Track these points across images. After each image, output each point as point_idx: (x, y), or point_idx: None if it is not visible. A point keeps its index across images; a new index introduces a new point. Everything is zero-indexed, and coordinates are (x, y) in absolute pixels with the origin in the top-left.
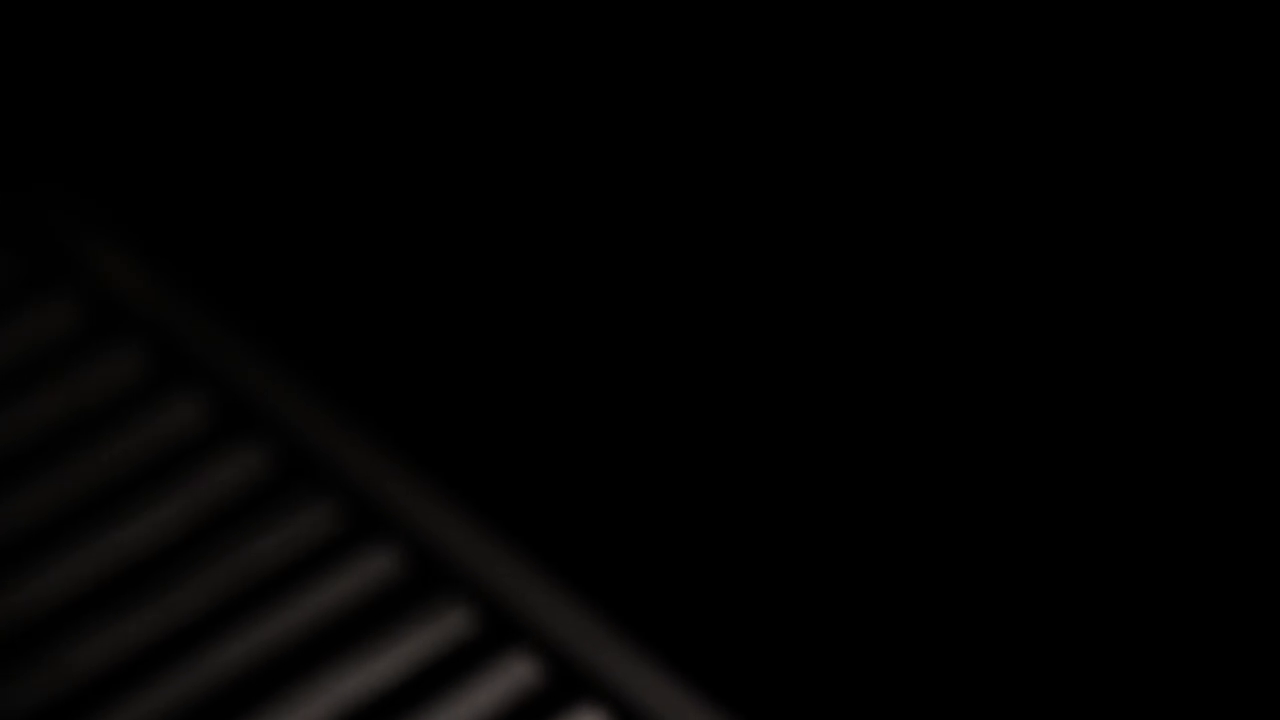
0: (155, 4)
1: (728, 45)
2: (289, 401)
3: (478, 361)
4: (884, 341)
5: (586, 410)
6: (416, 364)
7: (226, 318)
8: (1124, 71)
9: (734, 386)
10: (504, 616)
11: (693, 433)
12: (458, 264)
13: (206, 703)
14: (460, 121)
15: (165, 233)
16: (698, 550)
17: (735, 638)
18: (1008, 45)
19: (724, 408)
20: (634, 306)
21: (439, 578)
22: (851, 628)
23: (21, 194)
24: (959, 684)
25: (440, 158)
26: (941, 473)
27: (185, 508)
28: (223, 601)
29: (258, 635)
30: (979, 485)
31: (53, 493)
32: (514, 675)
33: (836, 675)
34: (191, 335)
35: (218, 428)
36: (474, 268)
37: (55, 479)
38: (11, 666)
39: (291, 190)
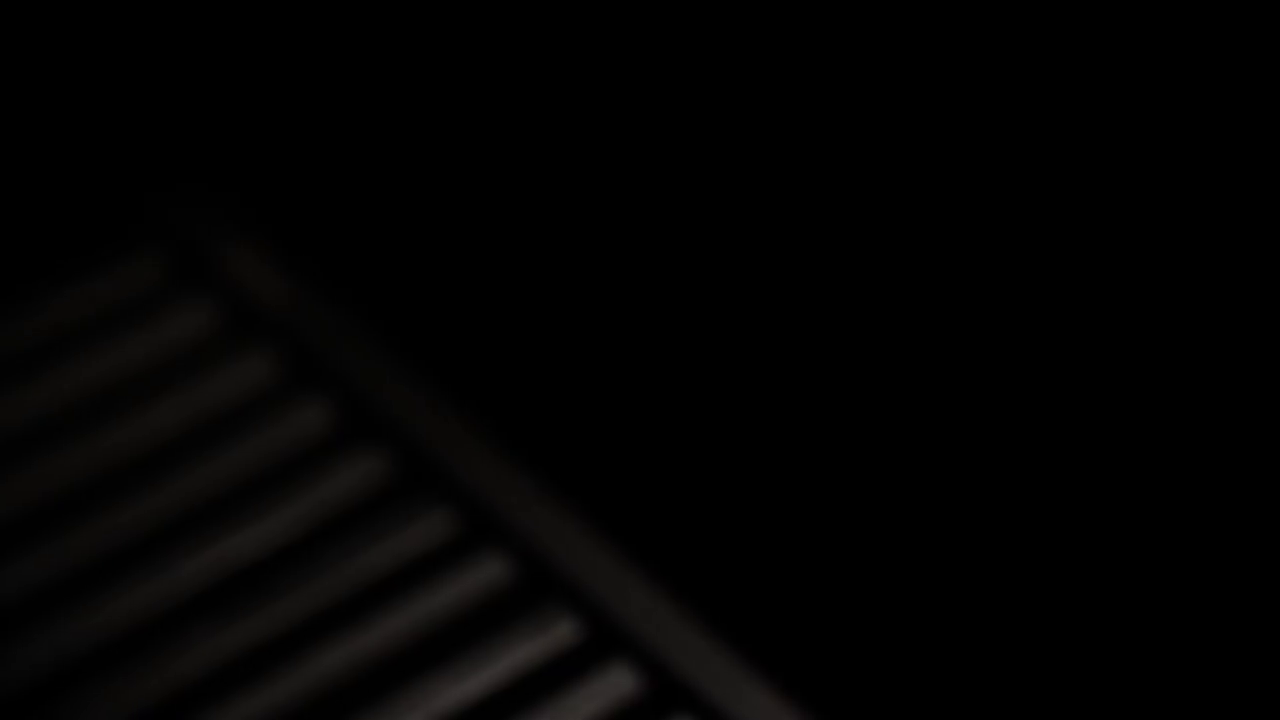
0: (305, 3)
1: (762, 39)
2: (414, 409)
3: (606, 372)
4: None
5: (703, 421)
6: (544, 372)
7: (359, 322)
8: (1124, 71)
9: (835, 394)
10: (610, 627)
11: (810, 446)
12: (597, 276)
13: (312, 709)
14: (605, 132)
15: (307, 234)
16: (810, 568)
17: (844, 656)
18: (1007, 45)
19: (832, 417)
20: (757, 317)
21: (550, 587)
22: (952, 641)
23: (163, 193)
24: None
25: (581, 165)
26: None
27: (302, 512)
28: (331, 607)
29: (363, 642)
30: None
31: (174, 494)
32: (617, 686)
33: (942, 693)
34: (322, 339)
35: (342, 433)
36: (613, 280)
37: (178, 481)
38: (121, 669)
39: (433, 196)
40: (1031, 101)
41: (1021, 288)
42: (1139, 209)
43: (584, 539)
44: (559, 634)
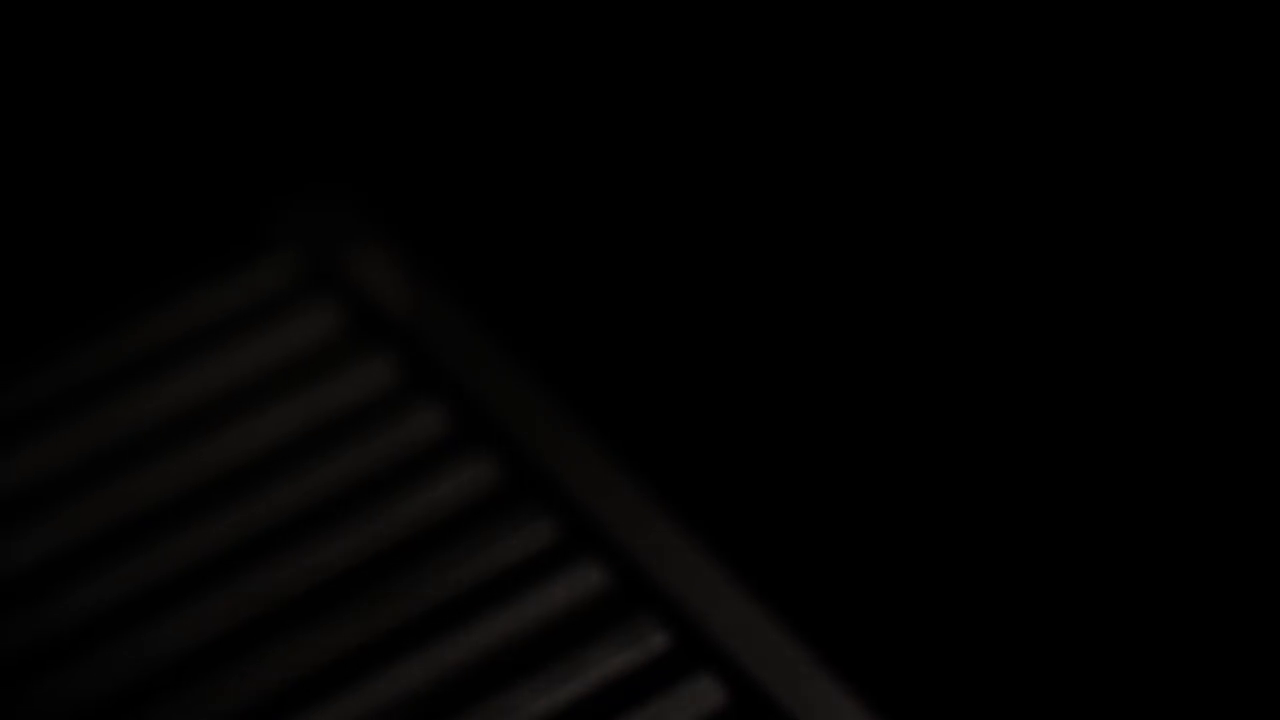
0: (442, 3)
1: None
2: (522, 416)
3: (722, 386)
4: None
5: (807, 439)
6: (659, 383)
7: (478, 327)
8: (1125, 72)
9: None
10: (701, 639)
11: (908, 462)
12: (724, 288)
13: (406, 714)
14: (739, 145)
15: (434, 237)
16: (906, 585)
17: (935, 672)
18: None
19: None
20: (887, 323)
21: (644, 598)
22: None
23: (293, 195)
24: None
25: (712, 175)
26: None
27: (407, 517)
28: (430, 612)
29: (457, 648)
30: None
31: (285, 497)
32: (705, 698)
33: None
34: (438, 344)
35: (454, 438)
36: (737, 292)
37: (290, 484)
38: (225, 671)
39: (564, 203)
40: (1041, 101)
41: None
42: (1141, 208)
43: (681, 551)
44: (650, 645)
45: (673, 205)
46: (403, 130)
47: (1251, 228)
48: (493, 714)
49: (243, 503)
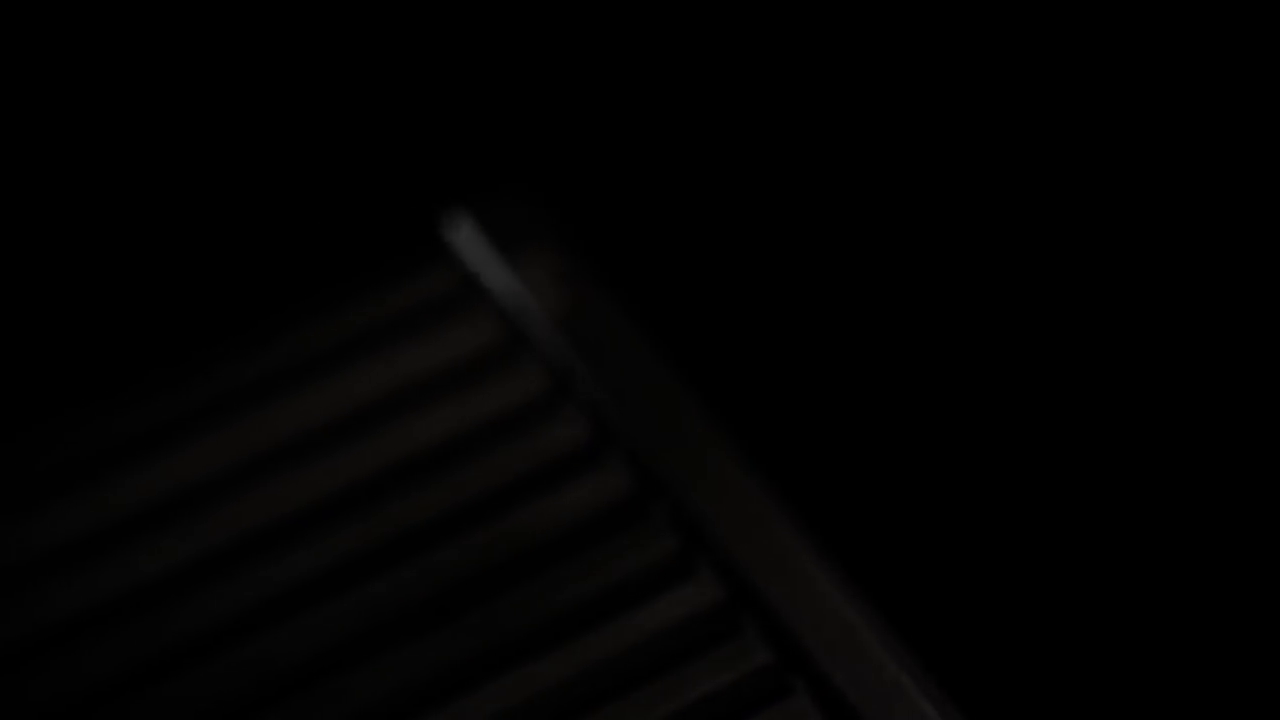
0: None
1: None
2: (659, 430)
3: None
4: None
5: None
6: (814, 409)
7: (628, 336)
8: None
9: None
10: (801, 657)
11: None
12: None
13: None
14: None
15: (605, 244)
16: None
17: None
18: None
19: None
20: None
21: (751, 614)
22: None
23: (469, 199)
24: None
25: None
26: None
27: (533, 527)
28: (542, 623)
29: (563, 662)
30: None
31: (415, 506)
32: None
33: None
34: (585, 354)
35: (591, 449)
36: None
37: (422, 492)
38: (349, 673)
39: (741, 214)
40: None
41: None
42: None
43: (796, 568)
44: (750, 663)
45: (849, 218)
46: (586, 136)
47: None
48: None
49: (375, 510)
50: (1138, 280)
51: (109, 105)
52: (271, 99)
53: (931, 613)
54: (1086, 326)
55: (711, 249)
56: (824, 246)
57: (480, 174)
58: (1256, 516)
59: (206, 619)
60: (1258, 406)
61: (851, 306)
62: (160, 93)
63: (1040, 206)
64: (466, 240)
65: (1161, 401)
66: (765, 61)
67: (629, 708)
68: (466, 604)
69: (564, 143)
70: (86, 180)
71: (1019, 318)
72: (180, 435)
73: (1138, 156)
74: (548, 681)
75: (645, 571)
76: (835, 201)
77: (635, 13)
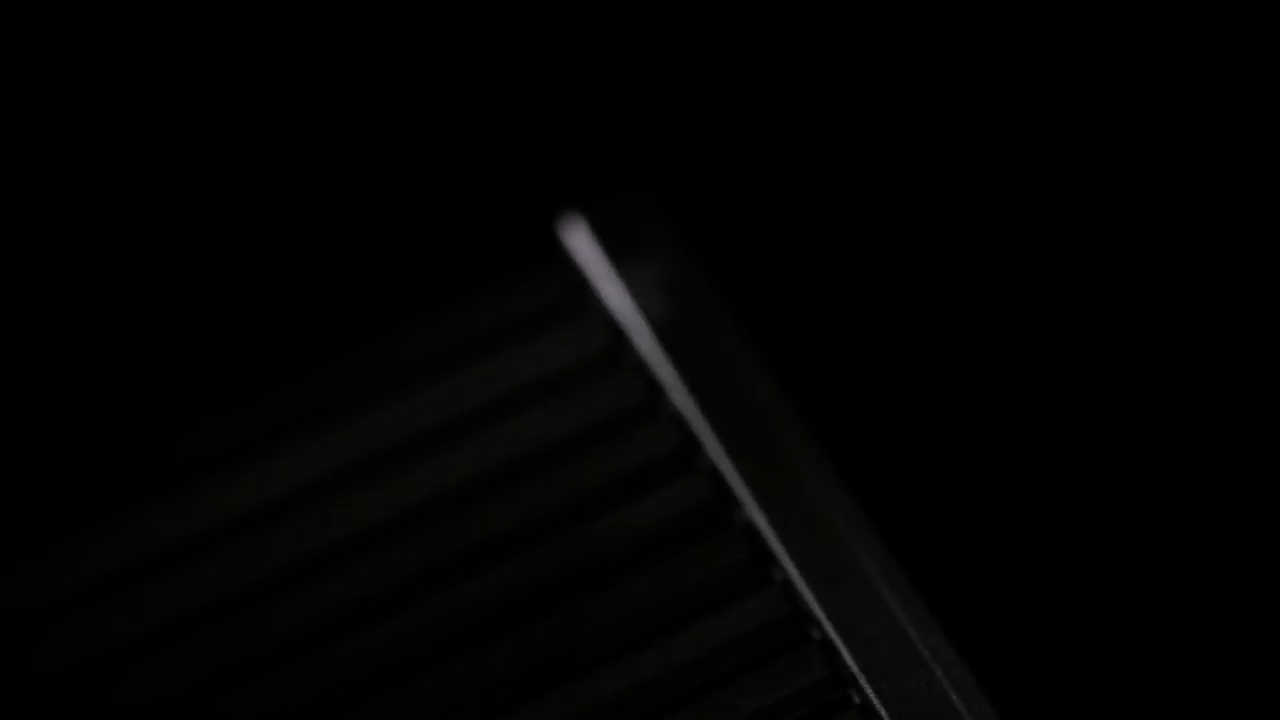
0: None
1: None
2: (747, 443)
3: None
4: None
5: None
6: (909, 427)
7: (730, 343)
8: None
9: None
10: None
11: None
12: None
13: None
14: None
15: (721, 247)
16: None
17: None
18: None
19: None
20: None
21: (811, 622)
22: None
23: (579, 205)
24: None
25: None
26: None
27: (609, 534)
28: (609, 628)
29: (618, 675)
30: None
31: (501, 507)
32: None
33: None
34: (681, 363)
35: (674, 460)
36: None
37: (507, 495)
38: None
39: (865, 226)
40: None
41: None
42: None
43: (860, 585)
44: (809, 677)
45: (973, 234)
46: (706, 141)
47: None
48: None
49: (465, 513)
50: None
51: (236, 109)
52: (399, 103)
53: (995, 631)
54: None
55: (826, 258)
56: (945, 264)
57: (599, 177)
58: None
59: (299, 619)
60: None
61: (966, 328)
62: (292, 96)
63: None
64: (580, 244)
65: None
66: (885, 69)
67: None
68: (538, 608)
69: (684, 148)
70: (209, 183)
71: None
72: (291, 437)
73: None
74: (606, 690)
75: (709, 584)
76: (956, 220)
77: (761, 21)
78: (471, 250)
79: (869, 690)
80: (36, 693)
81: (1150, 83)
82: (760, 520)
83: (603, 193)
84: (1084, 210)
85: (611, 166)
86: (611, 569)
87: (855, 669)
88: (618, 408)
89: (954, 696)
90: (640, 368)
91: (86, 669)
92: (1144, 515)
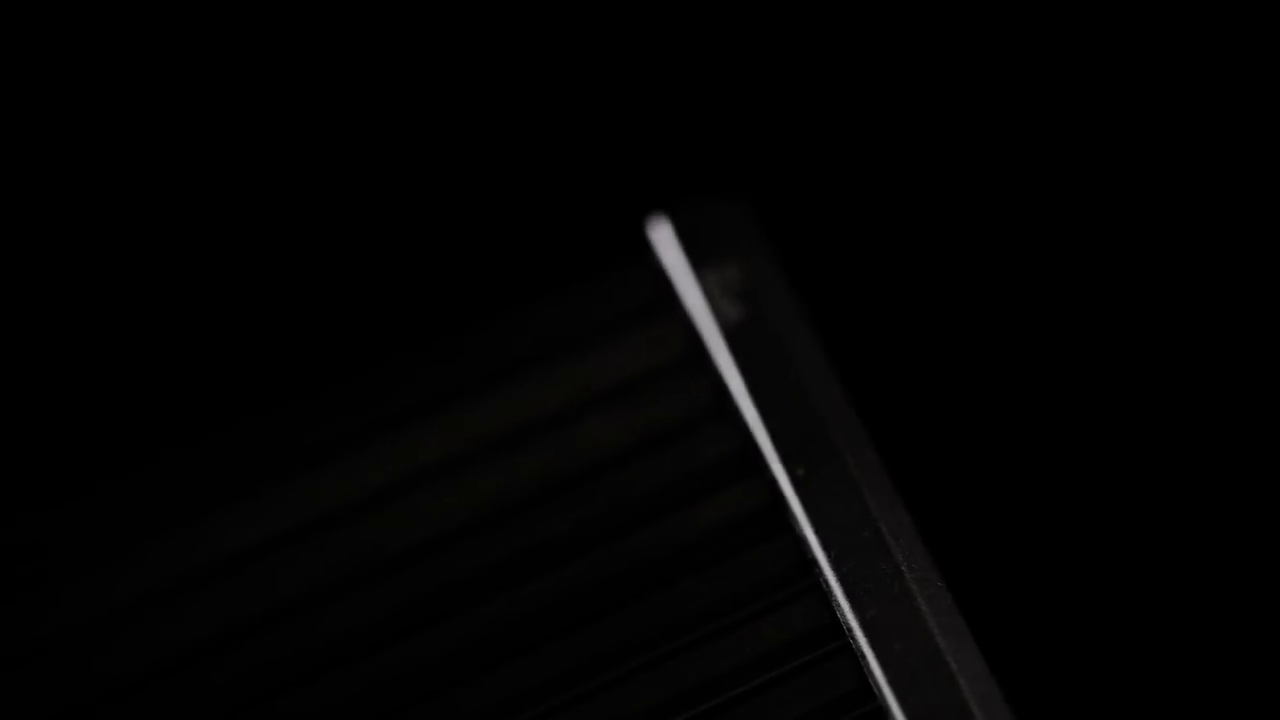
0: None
1: None
2: (805, 451)
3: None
4: None
5: None
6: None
7: (802, 351)
8: None
9: None
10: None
11: None
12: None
13: None
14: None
15: (807, 253)
16: None
17: None
18: None
19: None
20: None
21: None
22: None
23: (663, 205)
24: None
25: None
26: None
27: (673, 540)
28: (657, 632)
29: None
30: None
31: (561, 510)
32: None
33: None
34: (750, 369)
35: (734, 467)
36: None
37: (567, 498)
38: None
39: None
40: None
41: None
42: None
43: (898, 597)
44: (840, 688)
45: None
46: (797, 145)
47: None
48: None
49: (526, 515)
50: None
51: (334, 113)
52: (489, 106)
53: (1029, 650)
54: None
55: (908, 269)
56: (1035, 288)
57: (686, 179)
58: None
59: (357, 621)
60: None
61: (1041, 352)
62: (382, 100)
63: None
64: (664, 247)
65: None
66: (986, 82)
67: None
68: (593, 610)
69: (773, 151)
70: (299, 186)
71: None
72: (368, 440)
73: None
74: (641, 699)
75: (747, 594)
76: (1048, 238)
77: (860, 27)
78: (558, 253)
79: (894, 704)
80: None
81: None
82: (807, 529)
83: (688, 195)
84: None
85: (699, 168)
86: (655, 576)
87: (883, 682)
88: (685, 411)
89: (977, 713)
90: (712, 371)
91: (167, 668)
92: (1186, 542)
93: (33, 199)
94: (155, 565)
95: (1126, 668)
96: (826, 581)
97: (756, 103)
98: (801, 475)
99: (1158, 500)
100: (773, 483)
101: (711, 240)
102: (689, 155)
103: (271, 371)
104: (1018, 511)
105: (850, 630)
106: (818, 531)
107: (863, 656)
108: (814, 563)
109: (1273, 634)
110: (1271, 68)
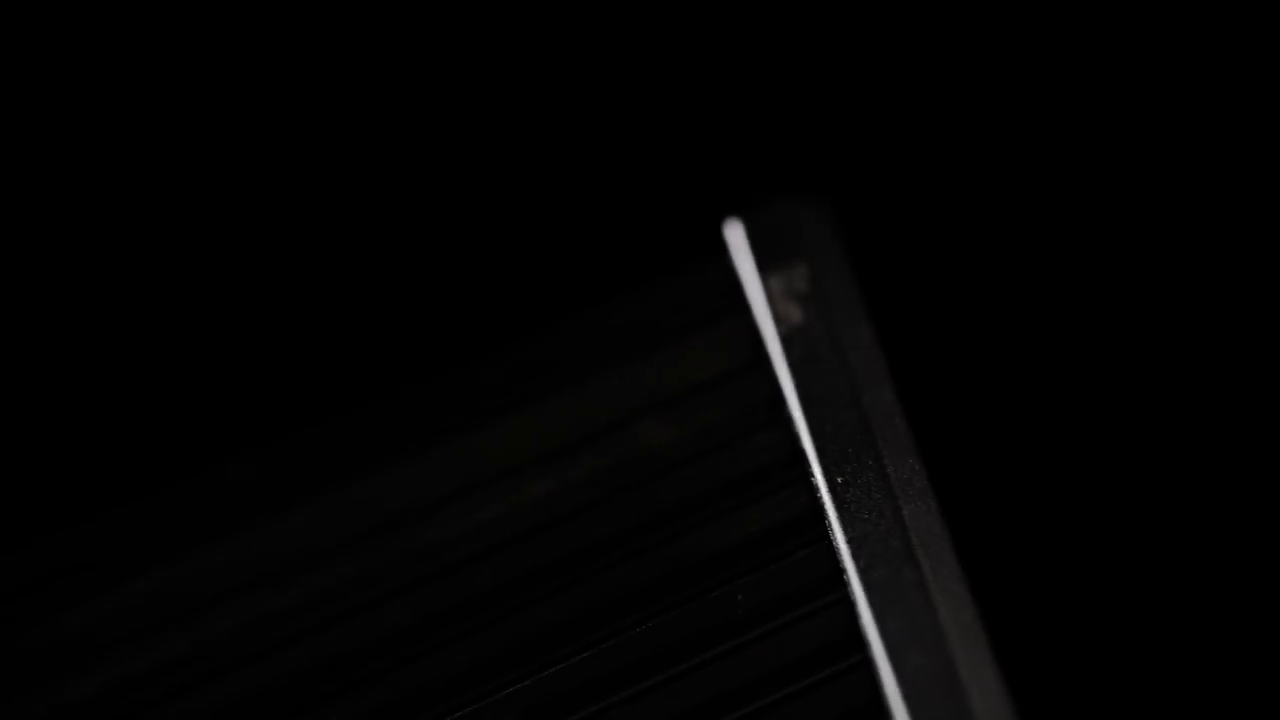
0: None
1: None
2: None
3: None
4: None
5: None
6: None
7: (860, 357)
8: None
9: None
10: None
11: None
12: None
13: None
14: None
15: (882, 258)
16: None
17: None
18: None
19: None
20: None
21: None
22: None
23: (738, 205)
24: None
25: None
26: None
27: (698, 546)
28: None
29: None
30: None
31: (606, 513)
32: None
33: None
34: (802, 374)
35: (779, 472)
36: None
37: (614, 501)
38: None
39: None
40: None
41: None
42: None
43: (917, 609)
44: (856, 699)
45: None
46: (877, 148)
47: None
48: None
49: (573, 519)
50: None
51: (418, 117)
52: (571, 106)
53: (1051, 667)
54: None
55: (981, 278)
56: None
57: (766, 180)
58: None
59: (407, 620)
60: None
61: (1108, 375)
62: (458, 99)
63: None
64: (738, 249)
65: None
66: (1069, 83)
67: None
68: (632, 615)
69: (855, 154)
70: (373, 189)
71: None
72: (434, 443)
73: None
74: (665, 709)
75: (774, 604)
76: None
77: (942, 28)
78: (632, 255)
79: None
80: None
81: None
82: (840, 536)
83: (764, 196)
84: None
85: (779, 170)
86: (686, 584)
87: (898, 695)
88: (739, 415)
89: None
90: (770, 375)
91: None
92: (1221, 575)
93: (100, 218)
94: (214, 568)
95: (1149, 693)
96: (853, 591)
97: (839, 105)
98: (841, 482)
99: (1190, 531)
100: (815, 489)
101: (782, 242)
102: (768, 156)
103: (349, 373)
104: (1052, 532)
105: (869, 641)
106: (850, 540)
107: (878, 668)
108: (844, 571)
109: None
110: None
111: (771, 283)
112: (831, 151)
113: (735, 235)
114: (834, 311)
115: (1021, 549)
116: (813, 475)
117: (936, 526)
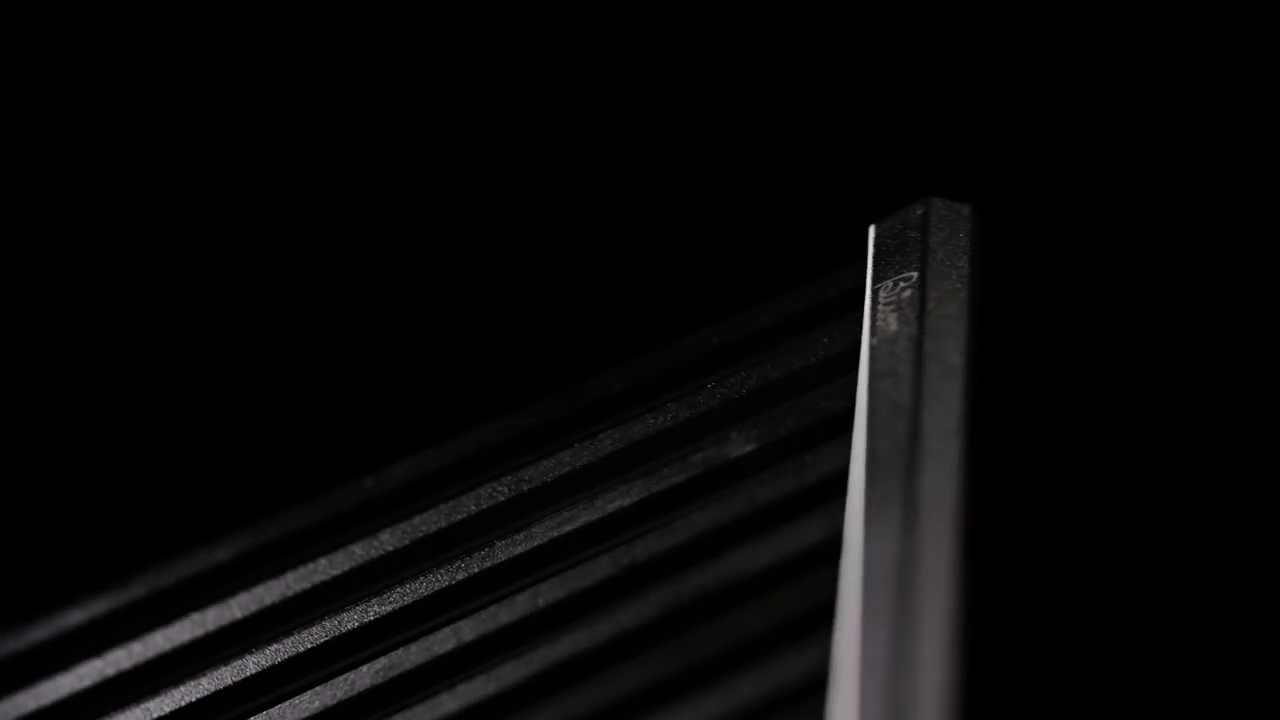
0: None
1: None
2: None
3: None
4: None
5: None
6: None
7: (942, 376)
8: None
9: None
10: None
11: None
12: None
13: None
14: None
15: (1003, 272)
16: None
17: None
18: None
19: None
20: None
21: None
22: None
23: (870, 215)
24: None
25: None
26: None
27: (747, 565)
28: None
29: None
30: None
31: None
32: None
33: None
34: (879, 387)
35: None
36: None
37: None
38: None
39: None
40: None
41: None
42: None
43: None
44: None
45: None
46: (1029, 161)
47: None
48: None
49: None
50: None
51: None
52: (712, 110)
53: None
54: None
55: (1100, 303)
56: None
57: (898, 190)
58: None
59: (490, 627)
60: None
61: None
62: (604, 109)
63: None
64: (870, 255)
65: None
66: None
67: None
68: (677, 622)
69: (996, 163)
70: (505, 199)
71: None
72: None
73: None
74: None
75: (777, 630)
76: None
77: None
78: (769, 262)
79: None
80: None
81: None
82: (855, 555)
83: (899, 203)
84: None
85: (919, 177)
86: (715, 603)
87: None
88: (813, 426)
89: None
90: (847, 388)
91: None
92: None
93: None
94: None
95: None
96: (842, 620)
97: (986, 114)
98: (877, 498)
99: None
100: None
101: (904, 250)
102: (907, 163)
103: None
104: (1064, 580)
105: (846, 670)
106: (866, 559)
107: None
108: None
109: None
110: None
111: (880, 291)
112: (974, 162)
113: (871, 241)
114: (928, 322)
115: (1025, 589)
116: (846, 494)
117: (947, 553)
